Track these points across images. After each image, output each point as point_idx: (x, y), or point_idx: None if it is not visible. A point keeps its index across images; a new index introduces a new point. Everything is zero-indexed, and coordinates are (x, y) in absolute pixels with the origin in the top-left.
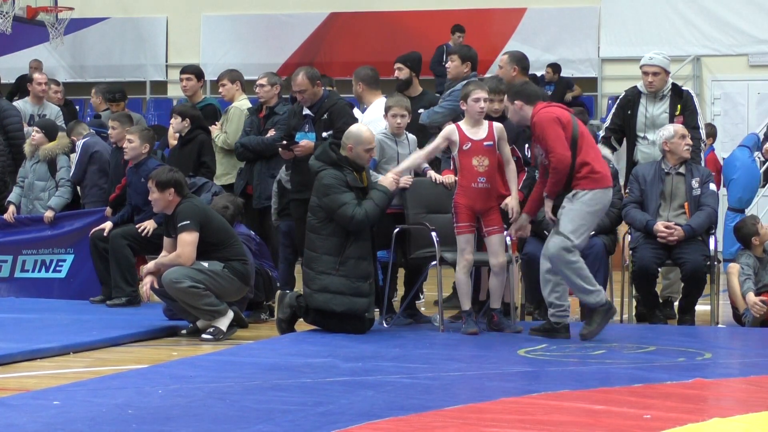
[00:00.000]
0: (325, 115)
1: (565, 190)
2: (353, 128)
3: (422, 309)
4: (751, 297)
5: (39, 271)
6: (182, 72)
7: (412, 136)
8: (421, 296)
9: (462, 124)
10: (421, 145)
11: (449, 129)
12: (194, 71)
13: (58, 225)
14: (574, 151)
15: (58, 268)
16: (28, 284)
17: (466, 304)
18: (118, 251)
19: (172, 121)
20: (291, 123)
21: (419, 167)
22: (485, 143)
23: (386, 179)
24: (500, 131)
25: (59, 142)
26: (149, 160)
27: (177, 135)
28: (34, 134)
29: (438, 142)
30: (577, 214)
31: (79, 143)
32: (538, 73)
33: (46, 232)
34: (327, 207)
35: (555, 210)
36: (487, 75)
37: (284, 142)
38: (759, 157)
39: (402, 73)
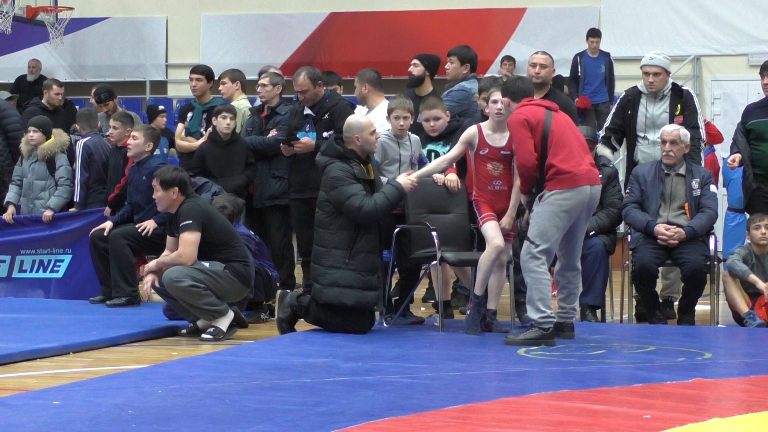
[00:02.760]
0: (326, 115)
1: (538, 191)
2: (350, 120)
3: (421, 309)
4: (753, 278)
5: (37, 271)
6: (193, 72)
7: (414, 137)
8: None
9: (484, 127)
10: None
11: (471, 132)
12: (204, 72)
13: (57, 225)
14: (546, 150)
15: (55, 269)
16: (26, 284)
17: (480, 289)
18: (118, 251)
19: (223, 121)
20: (292, 123)
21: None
22: (503, 152)
23: (404, 179)
24: None
25: (57, 140)
26: (152, 159)
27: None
28: (33, 134)
29: (461, 148)
30: (542, 217)
31: (79, 144)
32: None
33: (45, 232)
34: (335, 199)
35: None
36: (487, 74)
37: (286, 137)
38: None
39: (417, 69)
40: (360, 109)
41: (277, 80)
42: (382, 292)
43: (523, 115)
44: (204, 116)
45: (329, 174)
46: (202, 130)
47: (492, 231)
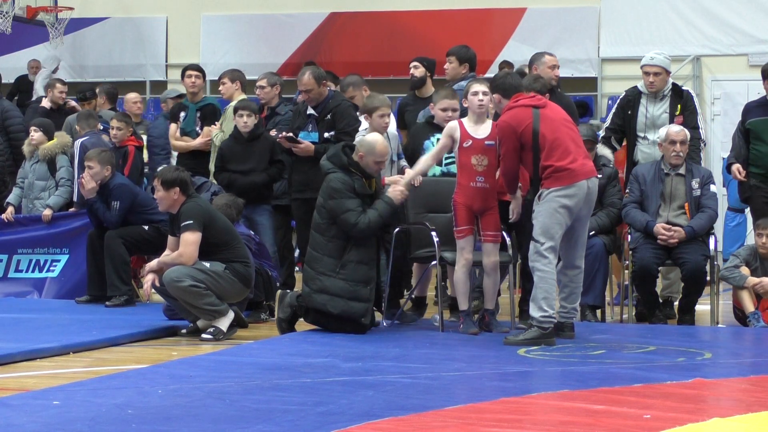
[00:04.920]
0: (329, 116)
1: (533, 189)
2: (369, 138)
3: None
4: (753, 280)
5: (32, 271)
6: (191, 69)
7: (393, 133)
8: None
9: (465, 120)
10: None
11: (452, 126)
12: (200, 69)
13: (55, 224)
14: (536, 150)
15: (51, 268)
16: (21, 284)
17: (464, 304)
18: (113, 250)
19: (240, 119)
20: (295, 122)
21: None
22: (486, 142)
23: (394, 191)
24: None
25: (58, 141)
26: (114, 178)
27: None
28: (34, 133)
29: (444, 142)
30: (544, 215)
31: (77, 144)
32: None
33: (43, 232)
34: (331, 210)
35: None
36: (487, 75)
37: (290, 135)
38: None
39: (418, 71)
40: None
41: (275, 80)
42: (371, 305)
43: (510, 125)
44: (198, 115)
45: (329, 183)
46: (197, 129)
47: (463, 244)
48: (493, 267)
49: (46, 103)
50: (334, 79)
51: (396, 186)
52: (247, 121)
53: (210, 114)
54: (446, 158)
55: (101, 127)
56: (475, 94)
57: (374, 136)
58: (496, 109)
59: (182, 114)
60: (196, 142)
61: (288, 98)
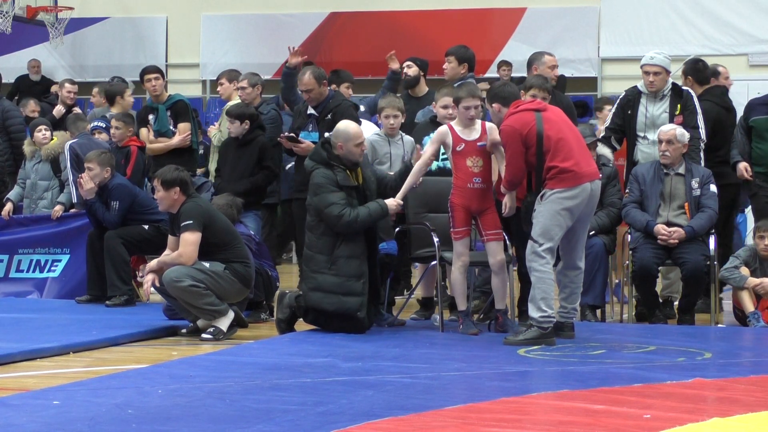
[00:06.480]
0: (329, 116)
1: (536, 191)
2: (340, 126)
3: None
4: (753, 281)
5: (33, 271)
6: (149, 72)
7: (408, 138)
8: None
9: (455, 125)
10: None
11: (442, 131)
12: (159, 71)
13: (56, 224)
14: (541, 152)
15: (52, 268)
16: (22, 284)
17: (462, 305)
18: (113, 250)
19: (229, 125)
20: (296, 122)
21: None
22: (479, 143)
23: (391, 203)
24: (492, 130)
25: (61, 140)
26: (113, 179)
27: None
28: (45, 131)
29: (433, 147)
30: (544, 216)
31: (66, 146)
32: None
33: (43, 231)
34: (316, 206)
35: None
36: (487, 75)
37: (291, 134)
38: None
39: (411, 70)
40: (368, 125)
41: (256, 80)
42: (365, 299)
43: (514, 128)
44: (169, 114)
45: (313, 180)
46: (171, 127)
47: (460, 248)
48: (500, 266)
49: (57, 111)
50: (348, 78)
51: (393, 201)
52: (239, 126)
53: (182, 110)
54: (442, 153)
55: (90, 128)
56: (468, 108)
57: (344, 123)
58: (495, 120)
59: (151, 117)
60: (174, 141)
61: (272, 98)
